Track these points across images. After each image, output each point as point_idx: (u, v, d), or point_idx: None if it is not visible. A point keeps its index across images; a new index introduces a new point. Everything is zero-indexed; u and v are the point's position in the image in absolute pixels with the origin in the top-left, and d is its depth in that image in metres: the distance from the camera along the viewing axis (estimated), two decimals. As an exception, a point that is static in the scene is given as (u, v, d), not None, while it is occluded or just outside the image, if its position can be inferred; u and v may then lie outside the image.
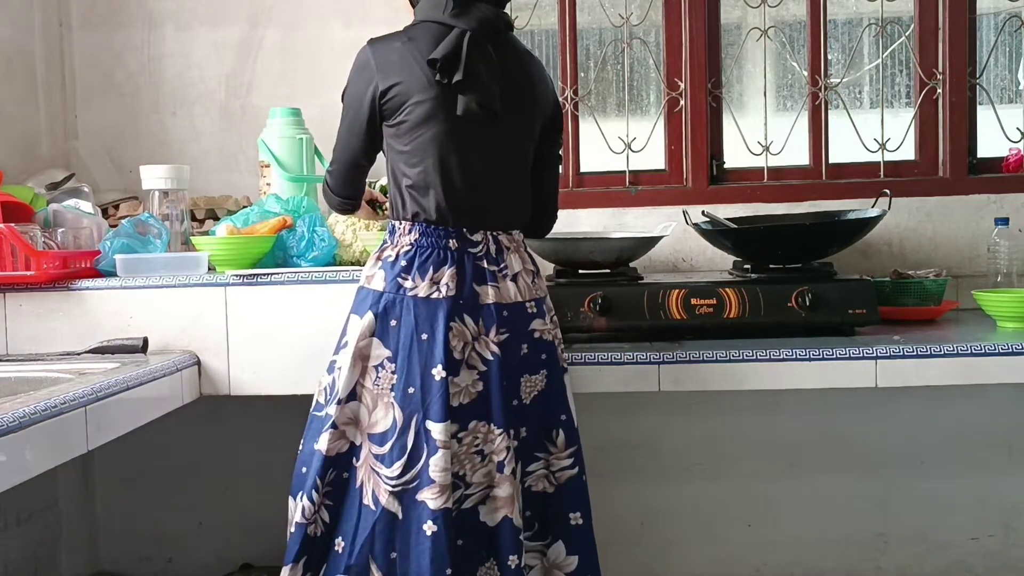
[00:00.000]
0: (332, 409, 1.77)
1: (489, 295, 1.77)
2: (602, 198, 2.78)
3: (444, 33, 1.75)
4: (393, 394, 1.74)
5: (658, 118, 2.82)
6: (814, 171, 2.77)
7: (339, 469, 1.78)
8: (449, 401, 1.72)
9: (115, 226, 2.27)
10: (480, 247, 1.79)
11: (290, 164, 2.41)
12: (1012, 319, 2.21)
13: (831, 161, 2.78)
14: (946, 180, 2.72)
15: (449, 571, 1.69)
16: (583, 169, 2.84)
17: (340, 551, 1.78)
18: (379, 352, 1.76)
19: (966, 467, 2.64)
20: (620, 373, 2.03)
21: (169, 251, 2.21)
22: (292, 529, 1.79)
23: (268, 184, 2.42)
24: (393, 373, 1.75)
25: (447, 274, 1.75)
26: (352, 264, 2.19)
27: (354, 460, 1.79)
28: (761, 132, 2.77)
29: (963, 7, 2.70)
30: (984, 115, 2.75)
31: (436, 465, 1.70)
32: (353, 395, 1.77)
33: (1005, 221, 2.54)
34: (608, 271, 2.36)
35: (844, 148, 2.77)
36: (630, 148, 2.81)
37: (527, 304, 1.81)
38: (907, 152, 2.78)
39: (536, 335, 1.82)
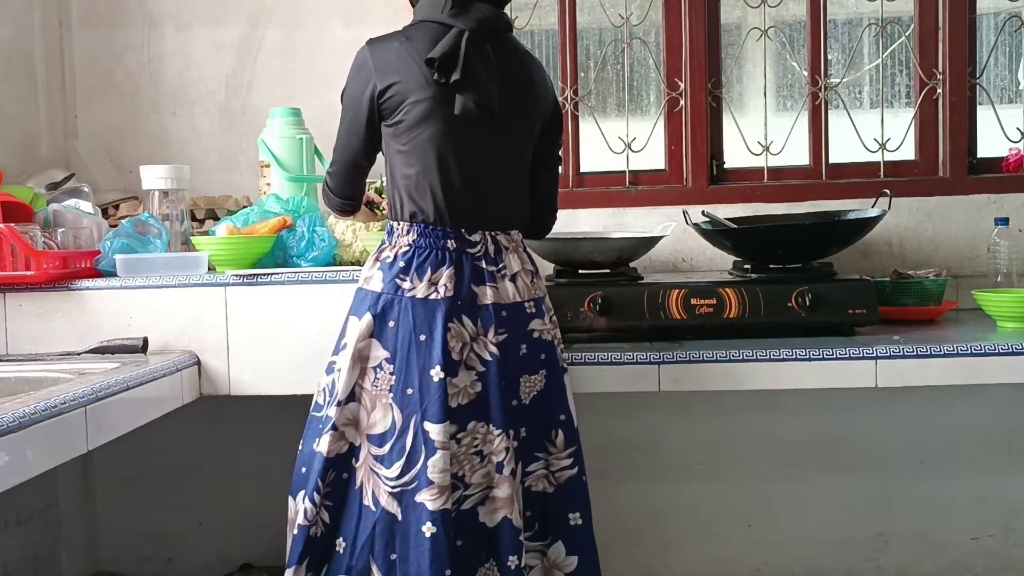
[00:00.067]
0: (332, 411, 1.77)
1: (487, 295, 1.77)
2: (602, 198, 2.78)
3: (442, 33, 1.75)
4: (391, 395, 1.74)
5: (658, 118, 2.82)
6: (814, 171, 2.77)
7: (339, 470, 1.78)
8: (448, 402, 1.72)
9: (115, 226, 2.26)
10: (478, 247, 1.79)
11: (290, 164, 2.41)
12: (1012, 319, 2.21)
13: (831, 161, 2.78)
14: (946, 180, 2.72)
15: (448, 572, 1.69)
16: (583, 169, 2.84)
17: (341, 551, 1.78)
18: (377, 353, 1.76)
19: (966, 467, 2.64)
20: (620, 373, 2.03)
21: (169, 251, 2.21)
22: (295, 531, 1.78)
23: (268, 184, 2.42)
24: (391, 374, 1.75)
25: (445, 275, 1.75)
26: (352, 264, 2.19)
27: (353, 461, 1.79)
28: (761, 132, 2.77)
29: (963, 7, 2.70)
30: (984, 115, 2.75)
31: (435, 466, 1.70)
32: (352, 396, 1.77)
33: (1005, 221, 2.54)
34: (608, 271, 2.36)
35: (844, 148, 2.77)
36: (630, 148, 2.81)
37: (526, 304, 1.81)
38: (907, 152, 2.78)
39: (535, 335, 1.82)
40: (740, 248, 2.44)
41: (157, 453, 2.68)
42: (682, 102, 2.78)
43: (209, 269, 2.12)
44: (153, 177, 2.31)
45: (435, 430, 1.71)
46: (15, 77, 2.66)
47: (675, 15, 2.78)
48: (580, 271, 2.38)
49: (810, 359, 2.01)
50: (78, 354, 2.01)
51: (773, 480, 2.67)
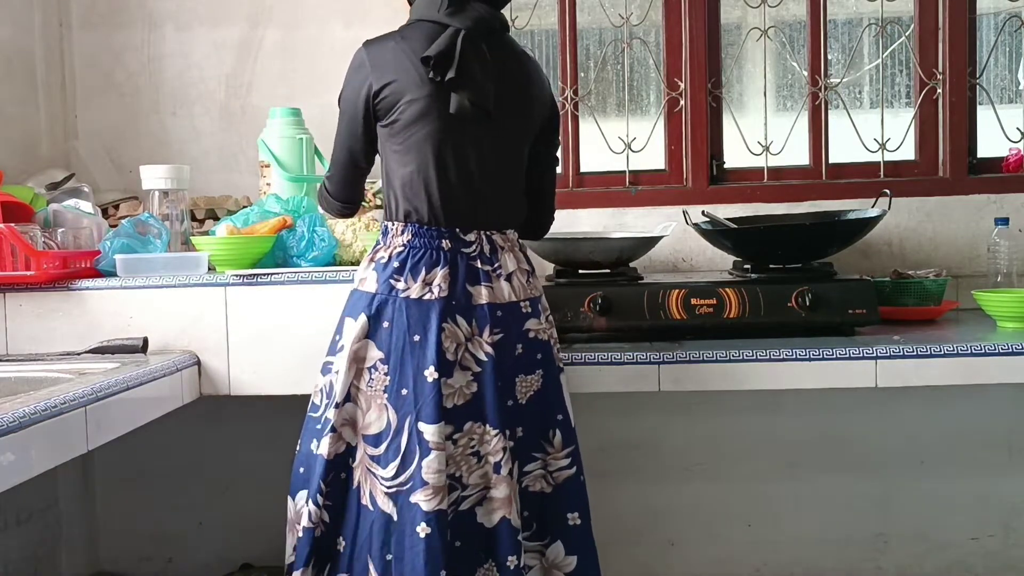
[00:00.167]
0: (331, 413, 1.77)
1: (482, 295, 1.76)
2: (602, 198, 2.78)
3: (438, 32, 1.75)
4: (386, 396, 1.74)
5: (658, 118, 2.82)
6: (814, 171, 2.77)
7: (337, 470, 1.78)
8: (442, 403, 1.72)
9: (115, 226, 2.26)
10: (474, 247, 1.78)
11: (290, 164, 2.41)
12: (1012, 319, 2.21)
13: (831, 161, 2.78)
14: (946, 180, 2.72)
15: (444, 573, 1.69)
16: (583, 169, 2.84)
17: (342, 550, 1.78)
18: (372, 354, 1.76)
19: (966, 467, 2.64)
20: (620, 373, 2.03)
21: (169, 251, 2.21)
22: (300, 534, 1.78)
23: (268, 184, 2.42)
24: (386, 375, 1.74)
25: (439, 275, 1.74)
26: (352, 264, 2.19)
27: (350, 461, 1.79)
28: (761, 132, 2.77)
29: (963, 7, 2.70)
30: (984, 115, 2.75)
31: (429, 467, 1.70)
32: (348, 397, 1.77)
33: (1005, 221, 2.54)
34: (608, 271, 2.36)
35: (844, 148, 2.77)
36: (630, 148, 2.81)
37: (522, 304, 1.81)
38: (907, 152, 2.78)
39: (531, 335, 1.82)
40: (740, 248, 2.44)
41: (157, 453, 2.68)
42: (682, 102, 2.78)
43: (209, 269, 2.12)
44: (153, 177, 2.31)
45: (429, 431, 1.71)
46: (15, 77, 2.66)
47: (675, 15, 2.78)
48: (580, 271, 2.38)
49: (810, 359, 2.01)
50: (78, 354, 2.01)
51: (773, 480, 2.67)
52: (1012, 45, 2.84)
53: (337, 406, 1.76)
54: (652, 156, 2.83)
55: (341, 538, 1.79)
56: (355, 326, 1.76)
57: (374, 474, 1.75)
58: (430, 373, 1.71)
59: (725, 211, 2.56)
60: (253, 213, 2.22)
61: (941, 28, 2.72)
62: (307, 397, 1.87)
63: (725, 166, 2.81)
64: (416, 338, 1.73)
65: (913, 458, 2.65)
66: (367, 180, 1.96)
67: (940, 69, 2.73)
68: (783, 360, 2.02)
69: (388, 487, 1.73)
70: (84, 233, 2.25)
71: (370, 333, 1.76)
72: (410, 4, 1.87)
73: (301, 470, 1.80)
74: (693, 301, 2.18)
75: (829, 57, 2.78)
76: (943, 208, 2.69)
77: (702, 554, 2.70)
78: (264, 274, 2.07)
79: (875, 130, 2.75)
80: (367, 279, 1.78)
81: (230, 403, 2.13)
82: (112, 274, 2.12)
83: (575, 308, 2.19)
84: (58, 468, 1.55)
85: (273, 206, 2.23)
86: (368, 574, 1.74)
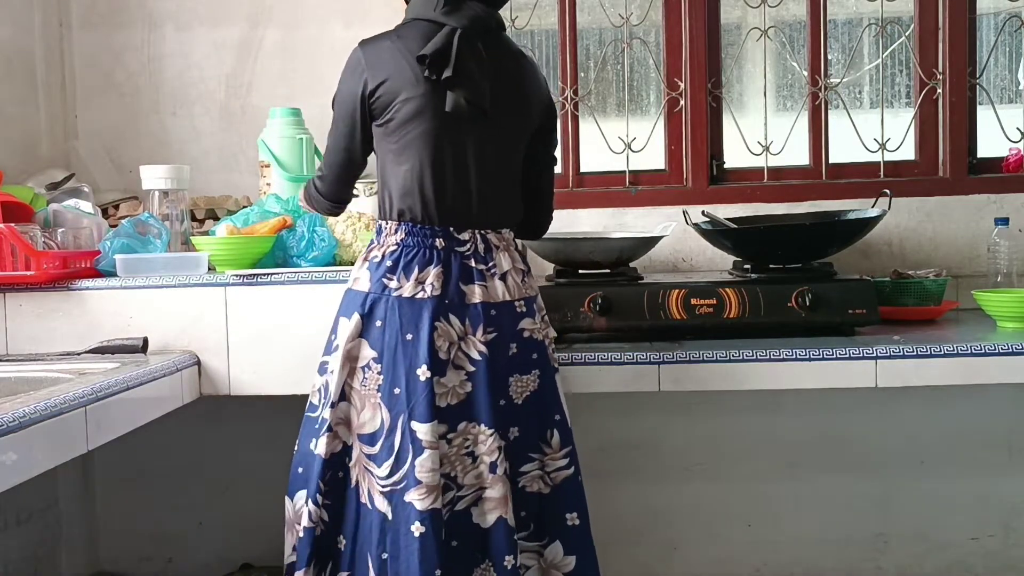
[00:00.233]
0: (327, 413, 1.77)
1: (476, 294, 1.76)
2: (602, 198, 2.78)
3: (434, 31, 1.75)
4: (380, 395, 1.74)
5: (658, 118, 2.82)
6: (814, 171, 2.77)
7: (335, 469, 1.79)
8: (435, 402, 1.72)
9: (115, 226, 2.26)
10: (468, 246, 1.78)
11: (290, 164, 2.41)
12: (1012, 319, 2.21)
13: (831, 161, 2.78)
14: (946, 180, 2.72)
15: (439, 572, 1.69)
16: (583, 169, 2.84)
17: (343, 549, 1.79)
18: (366, 353, 1.76)
19: (966, 467, 2.64)
20: (620, 373, 2.03)
21: (169, 251, 2.21)
22: (300, 534, 1.78)
23: (268, 184, 2.42)
24: (379, 374, 1.74)
25: (432, 273, 1.74)
26: (352, 264, 2.19)
27: (347, 460, 1.79)
28: (761, 132, 2.77)
29: (963, 7, 2.70)
30: (984, 115, 2.75)
31: (422, 466, 1.70)
32: (343, 396, 1.78)
33: (1005, 221, 2.54)
34: (608, 271, 2.36)
35: (844, 148, 2.77)
36: (630, 148, 2.81)
37: (516, 303, 1.80)
38: (907, 152, 2.78)
39: (526, 334, 1.81)
40: (740, 248, 2.44)
41: (157, 453, 2.68)
42: (682, 102, 2.78)
43: (209, 269, 2.12)
44: (153, 177, 2.30)
45: (422, 429, 1.71)
46: (15, 77, 2.66)
47: (675, 15, 2.78)
48: (580, 271, 2.38)
49: (810, 359, 2.01)
50: (78, 354, 2.01)
51: (773, 480, 2.67)
52: (1012, 45, 2.84)
53: (332, 405, 1.77)
54: (652, 156, 2.83)
55: (341, 536, 1.79)
56: (348, 325, 1.76)
57: (371, 473, 1.75)
58: (422, 372, 1.71)
59: (725, 211, 2.56)
60: (253, 213, 2.22)
61: (941, 28, 2.72)
62: (307, 397, 1.87)
63: (725, 166, 2.81)
64: (409, 337, 1.73)
65: (913, 458, 2.65)
66: (369, 182, 1.96)
67: (940, 69, 2.73)
68: (783, 360, 2.02)
69: (383, 486, 1.73)
70: (84, 233, 2.25)
71: (363, 332, 1.76)
72: (406, 3, 1.87)
73: (300, 470, 1.81)
74: (693, 301, 2.18)
75: (829, 57, 2.78)
76: (943, 208, 2.69)
77: (702, 554, 2.70)
78: (264, 274, 2.07)
79: (875, 130, 2.75)
80: (360, 278, 1.78)
81: (230, 403, 2.13)
82: (112, 274, 2.12)
83: (575, 308, 2.19)
84: (58, 468, 1.55)
85: (273, 206, 2.23)
86: (368, 572, 1.75)
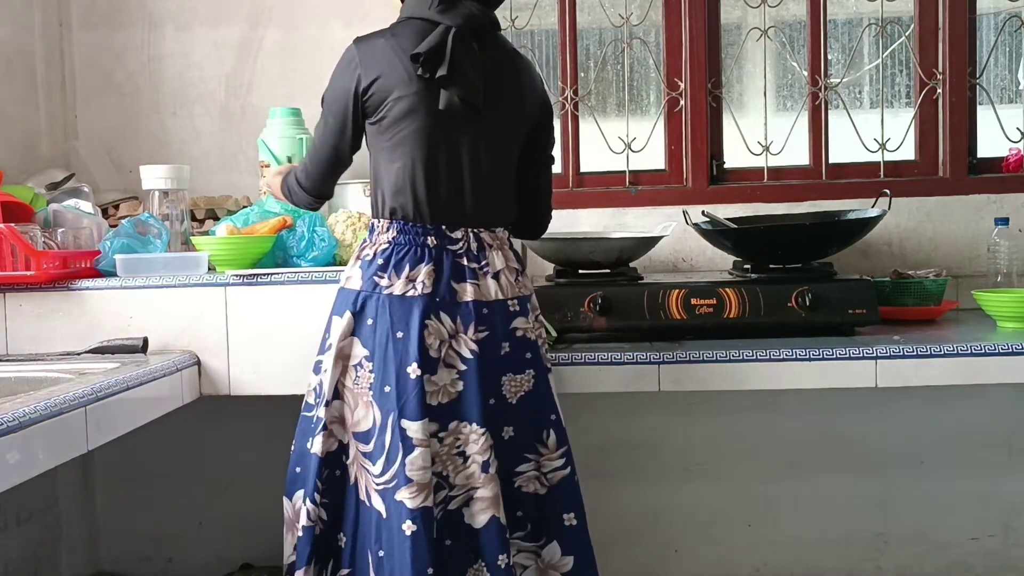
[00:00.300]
0: (322, 411, 1.78)
1: (468, 293, 1.76)
2: (602, 198, 2.78)
3: (428, 29, 1.75)
4: (371, 393, 1.74)
5: (658, 118, 2.82)
6: (814, 171, 2.77)
7: (331, 467, 1.79)
8: (426, 400, 1.71)
9: (115, 226, 2.26)
10: (460, 244, 1.78)
11: (290, 164, 2.41)
12: (1012, 319, 2.21)
13: (831, 161, 2.78)
14: (946, 180, 2.72)
15: (431, 571, 1.69)
16: (583, 169, 2.84)
17: (343, 546, 1.79)
18: (358, 351, 1.76)
19: (966, 467, 2.64)
20: (620, 373, 2.03)
21: (169, 251, 2.21)
22: (300, 533, 1.78)
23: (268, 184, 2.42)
24: (371, 372, 1.74)
25: (423, 271, 1.74)
26: (352, 264, 2.19)
27: (344, 458, 1.79)
28: (761, 132, 2.77)
29: (963, 7, 2.70)
30: (984, 115, 2.75)
31: (413, 464, 1.70)
32: (337, 394, 1.78)
33: (1005, 221, 2.54)
34: (608, 271, 2.36)
35: (844, 148, 2.77)
36: (630, 148, 2.81)
37: (509, 302, 1.80)
38: (907, 152, 2.78)
39: (519, 333, 1.81)
40: (740, 248, 2.44)
41: (157, 453, 2.68)
42: (682, 102, 2.78)
43: (209, 269, 2.12)
44: (153, 177, 2.31)
45: (413, 427, 1.70)
46: (15, 77, 2.66)
47: (675, 15, 2.78)
48: (580, 271, 2.38)
49: (810, 359, 2.01)
50: (78, 354, 2.01)
51: (773, 480, 2.67)
52: (1012, 45, 2.84)
53: (327, 404, 1.77)
54: (652, 156, 2.83)
55: (341, 534, 1.79)
56: (340, 323, 1.77)
57: (367, 471, 1.75)
58: (412, 370, 1.71)
59: (725, 211, 2.56)
60: (253, 213, 2.22)
61: (941, 28, 2.72)
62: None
63: (725, 166, 2.81)
64: (399, 335, 1.72)
65: (913, 458, 2.65)
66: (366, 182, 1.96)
67: (940, 69, 2.73)
68: (783, 360, 2.02)
69: (377, 484, 1.73)
70: (84, 233, 2.25)
71: (355, 330, 1.76)
72: (402, 1, 1.87)
73: (297, 469, 1.81)
74: (693, 301, 2.18)
75: (829, 57, 2.79)
76: (943, 208, 2.69)
77: (702, 554, 2.70)
78: (264, 274, 2.07)
79: (875, 130, 2.75)
80: (352, 277, 1.79)
81: (230, 403, 2.13)
82: (112, 274, 2.12)
83: (575, 308, 2.19)
84: (58, 468, 1.55)
85: (273, 206, 2.23)
86: (369, 569, 1.75)
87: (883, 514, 2.66)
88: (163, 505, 2.75)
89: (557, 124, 2.78)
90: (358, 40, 1.81)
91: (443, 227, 1.77)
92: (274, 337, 2.06)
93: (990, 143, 2.75)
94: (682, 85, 2.78)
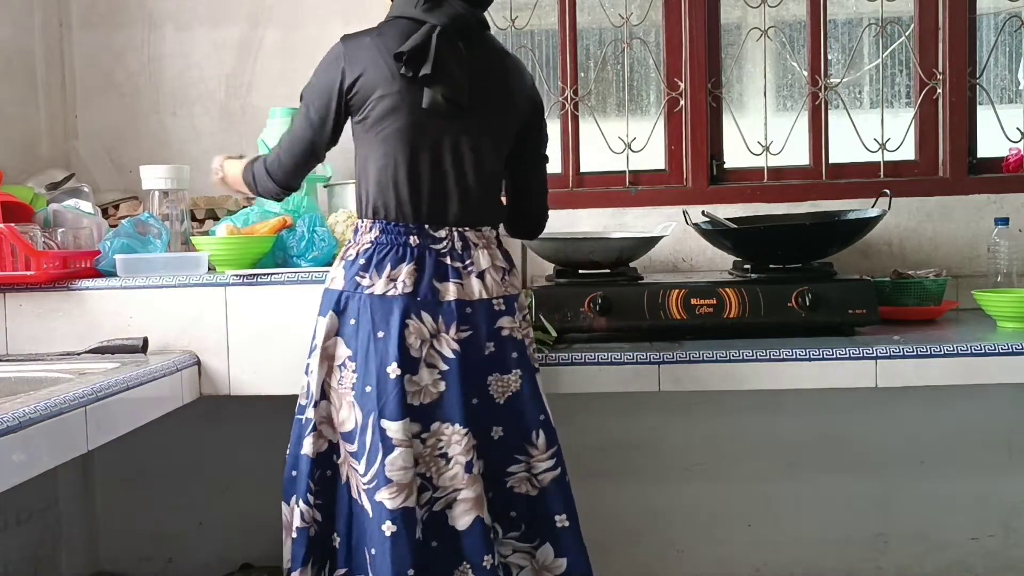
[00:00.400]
0: (311, 412, 1.78)
1: (450, 292, 1.75)
2: (602, 198, 2.78)
3: (414, 28, 1.75)
4: (353, 393, 1.74)
5: (658, 118, 2.82)
6: (814, 171, 2.78)
7: (323, 468, 1.79)
8: (407, 400, 1.71)
9: (115, 226, 2.26)
10: (444, 243, 1.77)
11: (290, 164, 2.40)
12: (1012, 319, 2.21)
13: (831, 161, 2.78)
14: (946, 180, 2.72)
15: (411, 572, 1.68)
16: (583, 169, 2.84)
17: (338, 547, 1.79)
18: (342, 351, 1.76)
19: (966, 467, 2.64)
20: (620, 373, 2.03)
21: (169, 251, 2.21)
22: (294, 535, 1.78)
23: (268, 184, 2.42)
24: (354, 372, 1.74)
25: (405, 271, 1.73)
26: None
27: (335, 458, 1.79)
28: (761, 132, 2.77)
29: (963, 7, 2.70)
30: (984, 115, 2.75)
31: (393, 464, 1.69)
32: (324, 395, 1.78)
33: (1005, 221, 2.54)
34: (608, 271, 2.36)
35: (844, 148, 2.77)
36: (630, 148, 2.81)
37: (494, 301, 1.79)
38: (907, 152, 2.78)
39: (504, 333, 1.80)
40: (740, 248, 2.44)
41: (157, 453, 2.68)
42: (682, 102, 2.78)
43: (209, 269, 2.12)
44: (153, 177, 2.31)
45: (392, 428, 1.70)
46: (15, 77, 2.66)
47: (675, 15, 2.78)
48: (580, 271, 2.38)
49: (810, 359, 2.01)
50: (78, 354, 2.01)
51: (773, 480, 2.67)
52: (1012, 45, 2.84)
53: (315, 404, 1.78)
54: (652, 156, 2.83)
55: (335, 534, 1.79)
56: (324, 323, 1.77)
57: (355, 470, 1.75)
58: (392, 369, 1.71)
59: (725, 211, 2.56)
60: (253, 213, 2.22)
61: (941, 28, 2.72)
62: (307, 397, 1.87)
63: (725, 166, 2.81)
64: (380, 334, 1.72)
65: (913, 458, 2.65)
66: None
67: (940, 69, 2.73)
68: (783, 360, 2.02)
69: (364, 484, 1.73)
70: (84, 233, 2.25)
71: (339, 331, 1.76)
72: (391, 1, 1.87)
73: (293, 473, 1.81)
74: (693, 301, 2.18)
75: (829, 57, 2.79)
76: (943, 208, 2.69)
77: (702, 554, 2.70)
78: (264, 274, 2.07)
79: (875, 130, 2.75)
80: (336, 277, 1.79)
81: (230, 403, 2.13)
82: (112, 274, 2.12)
83: (575, 308, 2.19)
84: (58, 468, 1.54)
85: (273, 206, 2.23)
86: (367, 567, 1.75)
87: (883, 514, 2.66)
88: (163, 505, 2.75)
89: (557, 124, 2.78)
90: (345, 37, 1.81)
91: (426, 226, 1.76)
92: (274, 337, 2.06)
93: (990, 143, 2.75)
94: (682, 85, 2.78)
